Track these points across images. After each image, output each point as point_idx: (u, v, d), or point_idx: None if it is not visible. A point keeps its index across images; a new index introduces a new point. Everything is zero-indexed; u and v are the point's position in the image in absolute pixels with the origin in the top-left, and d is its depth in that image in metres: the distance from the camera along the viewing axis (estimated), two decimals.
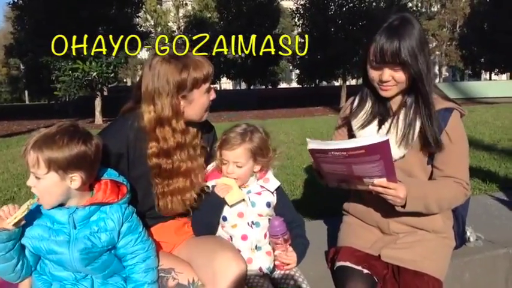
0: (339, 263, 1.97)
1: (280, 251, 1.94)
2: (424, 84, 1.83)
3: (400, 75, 1.83)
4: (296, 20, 26.50)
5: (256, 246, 1.96)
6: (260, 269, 1.94)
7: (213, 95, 1.92)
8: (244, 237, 1.95)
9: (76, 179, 1.56)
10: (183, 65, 1.79)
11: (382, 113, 1.99)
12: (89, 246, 1.59)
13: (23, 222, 1.53)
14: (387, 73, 1.84)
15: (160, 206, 1.92)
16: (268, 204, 2.00)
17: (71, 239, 1.59)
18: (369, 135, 1.70)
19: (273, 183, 2.04)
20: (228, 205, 1.94)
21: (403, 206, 1.83)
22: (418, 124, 1.88)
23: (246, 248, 1.94)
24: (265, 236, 1.97)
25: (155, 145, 1.84)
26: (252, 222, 1.96)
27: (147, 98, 1.82)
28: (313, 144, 1.77)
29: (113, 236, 1.64)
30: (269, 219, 1.98)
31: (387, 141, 1.64)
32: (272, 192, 2.04)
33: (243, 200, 1.95)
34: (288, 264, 1.96)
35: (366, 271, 1.90)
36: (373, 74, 1.89)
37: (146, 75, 1.83)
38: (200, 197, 1.97)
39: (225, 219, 1.96)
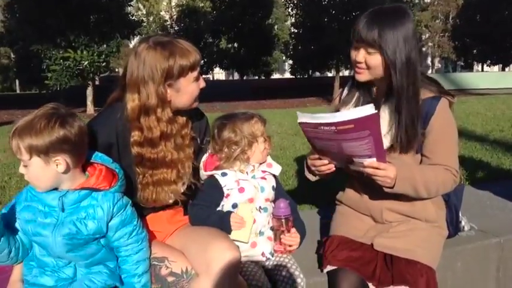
0: (330, 267, 1.95)
1: (283, 233, 1.94)
2: (397, 75, 1.81)
3: (374, 60, 1.83)
4: (289, 10, 26.41)
5: (259, 231, 1.96)
6: (263, 253, 1.95)
7: (202, 84, 1.87)
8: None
9: (60, 162, 1.53)
10: (170, 52, 1.74)
11: (368, 102, 1.98)
12: (73, 232, 1.56)
13: None
14: (361, 54, 1.85)
15: (141, 197, 1.87)
16: (273, 188, 2.03)
17: (58, 222, 1.57)
18: (358, 108, 1.67)
19: (276, 167, 2.06)
20: (229, 235, 1.90)
21: (392, 187, 1.83)
22: (401, 122, 1.86)
23: (252, 233, 1.94)
24: (268, 222, 1.98)
25: (138, 134, 1.80)
26: (260, 207, 1.96)
27: (131, 86, 1.77)
28: (303, 118, 1.75)
29: (101, 226, 1.60)
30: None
31: (376, 114, 1.62)
32: (274, 177, 2.05)
33: (245, 242, 1.93)
34: (290, 246, 1.96)
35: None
36: (352, 54, 1.90)
37: (132, 62, 1.78)
38: (191, 189, 1.95)
39: (235, 206, 1.94)
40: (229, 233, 1.88)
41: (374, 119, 1.62)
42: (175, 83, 1.78)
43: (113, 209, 1.61)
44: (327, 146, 1.79)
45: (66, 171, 1.55)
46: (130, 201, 1.70)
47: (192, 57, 1.78)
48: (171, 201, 1.92)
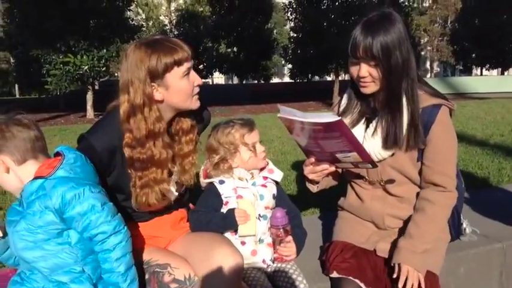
0: (332, 274, 1.94)
1: (280, 242, 1.94)
2: (397, 82, 1.82)
3: (376, 72, 1.82)
4: (289, 14, 26.44)
5: (259, 238, 1.96)
6: (264, 261, 1.95)
7: (197, 80, 1.83)
8: None
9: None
10: (152, 50, 1.72)
11: (368, 112, 1.98)
12: (26, 227, 1.54)
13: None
14: (364, 69, 1.83)
15: (135, 202, 1.83)
16: (274, 196, 2.02)
17: (20, 218, 1.57)
18: (324, 114, 1.68)
19: (278, 173, 2.07)
20: (237, 234, 1.93)
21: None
22: (404, 123, 1.86)
23: (252, 240, 1.94)
24: (268, 229, 1.98)
25: (129, 136, 1.77)
26: (260, 215, 1.96)
27: (123, 89, 1.76)
28: (283, 113, 1.76)
29: (52, 216, 1.53)
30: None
31: (339, 121, 1.63)
32: (275, 183, 2.05)
33: (253, 235, 1.95)
34: (288, 256, 1.96)
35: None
36: (352, 70, 1.89)
37: (122, 65, 1.78)
38: (187, 191, 1.94)
39: None
40: (236, 229, 1.90)
41: (338, 125, 1.64)
42: (162, 81, 1.75)
43: (62, 197, 1.53)
44: (308, 143, 1.81)
45: (8, 170, 1.60)
46: (89, 187, 1.58)
47: (177, 54, 1.74)
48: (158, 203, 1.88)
